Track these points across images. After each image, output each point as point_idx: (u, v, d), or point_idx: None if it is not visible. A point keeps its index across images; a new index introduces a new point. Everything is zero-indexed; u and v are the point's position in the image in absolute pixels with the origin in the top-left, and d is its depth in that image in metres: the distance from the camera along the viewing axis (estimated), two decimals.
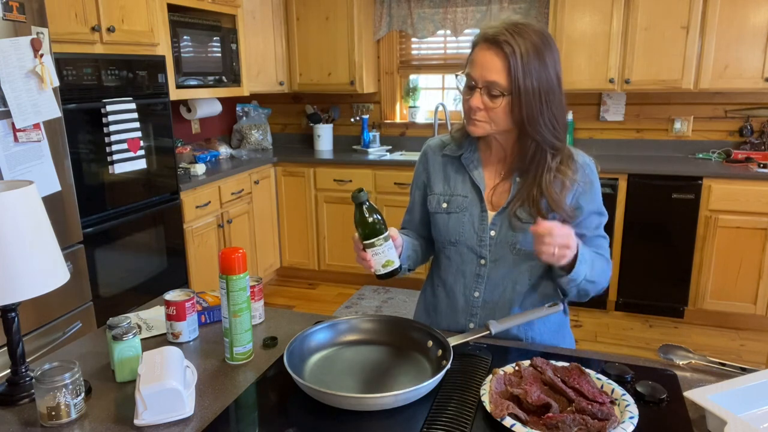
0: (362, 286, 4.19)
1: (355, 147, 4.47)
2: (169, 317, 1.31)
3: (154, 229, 3.00)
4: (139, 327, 1.38)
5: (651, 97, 3.88)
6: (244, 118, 4.57)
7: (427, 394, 1.06)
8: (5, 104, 2.01)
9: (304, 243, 4.25)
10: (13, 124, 2.04)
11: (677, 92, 3.65)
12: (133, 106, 2.72)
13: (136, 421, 0.99)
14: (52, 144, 2.22)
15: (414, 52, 4.47)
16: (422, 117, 4.51)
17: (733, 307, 3.41)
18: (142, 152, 2.79)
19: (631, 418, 0.96)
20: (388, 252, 1.21)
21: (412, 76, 4.54)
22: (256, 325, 1.40)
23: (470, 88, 1.28)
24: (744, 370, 1.12)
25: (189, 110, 3.98)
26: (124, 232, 2.80)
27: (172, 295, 1.32)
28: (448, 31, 4.24)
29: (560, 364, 1.11)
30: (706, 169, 3.40)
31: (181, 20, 3.29)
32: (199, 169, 3.49)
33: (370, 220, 1.19)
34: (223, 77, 3.70)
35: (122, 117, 2.66)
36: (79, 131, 2.51)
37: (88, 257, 2.49)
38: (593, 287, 1.33)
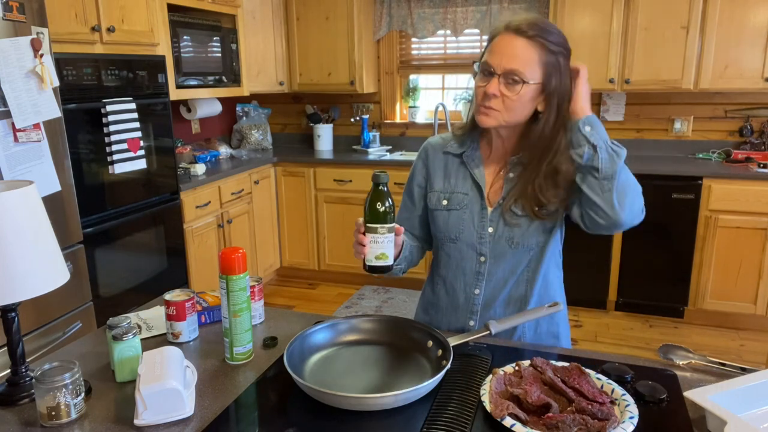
0: (362, 286, 4.19)
1: (355, 147, 4.47)
2: (169, 317, 1.31)
3: (154, 229, 3.00)
4: (139, 327, 1.38)
5: (651, 97, 3.88)
6: (244, 118, 4.57)
7: (427, 394, 1.06)
8: (5, 104, 2.01)
9: (304, 243, 4.25)
10: (13, 124, 2.04)
11: (677, 92, 3.65)
12: (133, 106, 2.72)
13: (136, 421, 0.99)
14: (52, 144, 2.22)
15: (414, 52, 4.47)
16: (422, 117, 4.51)
17: (733, 307, 3.41)
18: (142, 152, 2.79)
19: (631, 418, 0.95)
20: (387, 245, 1.19)
21: (412, 76, 4.54)
22: (256, 325, 1.40)
23: (487, 75, 1.27)
24: (744, 370, 1.12)
25: (189, 110, 3.98)
26: (124, 232, 2.80)
27: (172, 295, 1.32)
28: (448, 31, 4.24)
29: (560, 364, 1.11)
30: (706, 169, 3.40)
31: (181, 20, 3.29)
32: (199, 169, 3.49)
33: (382, 205, 1.17)
34: (223, 77, 3.70)
35: (122, 117, 2.66)
36: (79, 131, 2.51)
37: (88, 257, 2.49)
38: (624, 170, 1.25)
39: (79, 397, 1.02)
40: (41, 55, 2.11)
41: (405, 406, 1.03)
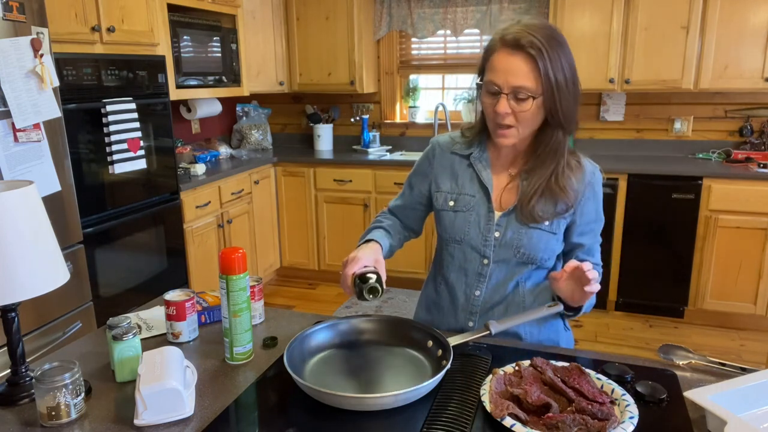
0: None
1: (355, 147, 4.47)
2: (169, 317, 1.31)
3: (154, 229, 3.00)
4: (139, 327, 1.38)
5: (651, 97, 3.88)
6: (244, 118, 4.57)
7: (427, 394, 1.06)
8: (5, 104, 2.01)
9: (304, 243, 4.25)
10: (13, 124, 2.04)
11: (677, 92, 3.65)
12: (133, 106, 2.72)
13: (136, 421, 0.99)
14: (52, 144, 2.22)
15: (414, 52, 4.47)
16: (422, 117, 4.51)
17: (733, 307, 3.41)
18: (142, 152, 2.79)
19: (631, 418, 0.96)
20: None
21: (412, 76, 4.54)
22: (256, 325, 1.40)
23: (494, 94, 1.27)
24: (744, 370, 1.12)
25: (189, 110, 3.98)
26: (124, 232, 2.80)
27: (172, 295, 1.32)
28: (448, 31, 4.24)
29: (560, 364, 1.11)
30: (706, 169, 3.40)
31: (181, 20, 3.29)
32: (199, 169, 3.49)
33: (367, 297, 1.18)
34: (223, 77, 3.70)
35: (122, 117, 2.66)
36: (79, 131, 2.51)
37: (88, 257, 2.49)
38: (591, 305, 1.39)
39: (79, 397, 1.02)
40: (41, 55, 2.11)
41: (405, 406, 1.03)
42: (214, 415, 1.03)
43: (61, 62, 2.37)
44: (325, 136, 4.52)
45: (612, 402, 1.02)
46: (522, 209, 1.34)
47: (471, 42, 4.30)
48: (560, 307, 1.30)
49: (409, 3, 4.22)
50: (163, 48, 3.12)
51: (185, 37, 3.32)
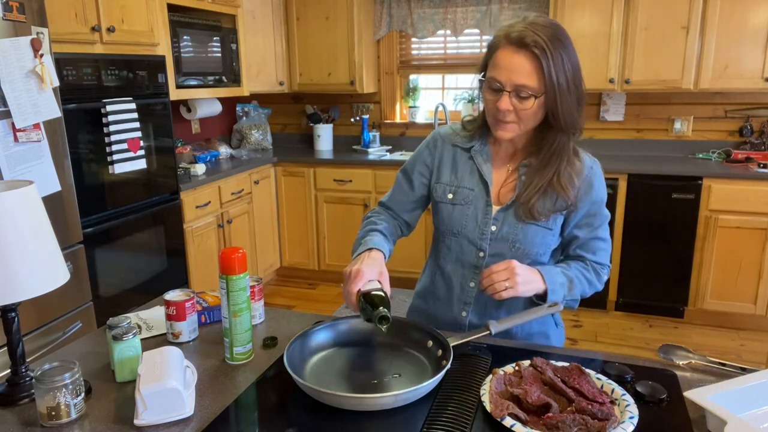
0: None
1: (355, 147, 4.47)
2: (169, 317, 1.31)
3: (154, 229, 3.00)
4: (139, 327, 1.38)
5: (651, 97, 3.88)
6: (244, 118, 4.57)
7: (427, 394, 1.06)
8: (5, 104, 2.01)
9: (304, 243, 4.25)
10: (13, 124, 2.04)
11: (677, 92, 3.65)
12: (133, 106, 2.72)
13: (136, 421, 0.99)
14: (52, 144, 2.22)
15: (414, 52, 4.47)
16: (422, 117, 4.52)
17: (733, 307, 3.41)
18: (142, 152, 2.79)
19: (631, 418, 0.96)
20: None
21: (412, 76, 4.54)
22: (256, 325, 1.40)
23: (496, 91, 1.27)
24: (744, 370, 1.12)
25: (189, 110, 3.98)
26: (124, 232, 2.80)
27: (172, 295, 1.32)
28: (448, 31, 4.24)
29: (560, 364, 1.11)
30: (706, 169, 3.40)
31: (181, 20, 3.29)
32: (199, 169, 3.49)
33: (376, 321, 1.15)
34: (223, 77, 3.70)
35: (122, 117, 2.66)
36: (79, 131, 2.51)
37: (88, 257, 2.49)
38: (576, 302, 1.38)
39: (79, 397, 1.02)
40: (41, 55, 2.11)
41: (405, 406, 1.03)
42: (214, 415, 1.03)
43: (61, 62, 2.37)
44: (325, 136, 4.52)
45: (612, 402, 1.02)
46: (521, 206, 1.34)
47: (471, 42, 4.30)
48: (560, 307, 1.31)
49: (409, 3, 4.22)
50: (163, 48, 3.12)
51: (185, 37, 3.32)
